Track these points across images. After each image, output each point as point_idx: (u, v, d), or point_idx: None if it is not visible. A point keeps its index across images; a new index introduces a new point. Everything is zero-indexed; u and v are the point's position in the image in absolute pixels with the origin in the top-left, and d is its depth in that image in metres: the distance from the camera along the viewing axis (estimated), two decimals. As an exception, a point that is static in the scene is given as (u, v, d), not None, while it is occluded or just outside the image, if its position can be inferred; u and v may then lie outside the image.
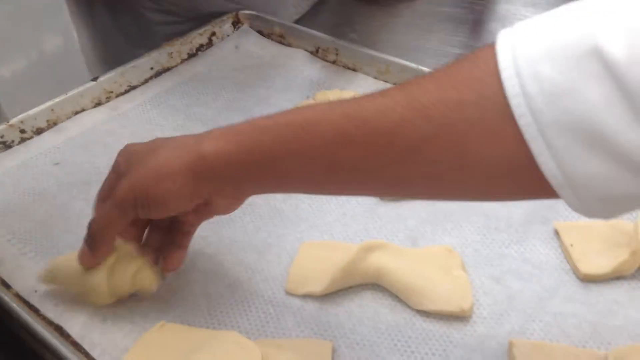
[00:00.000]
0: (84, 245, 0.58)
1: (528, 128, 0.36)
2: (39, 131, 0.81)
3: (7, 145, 0.79)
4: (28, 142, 0.80)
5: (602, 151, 0.35)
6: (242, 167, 0.49)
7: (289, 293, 0.61)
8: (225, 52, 0.97)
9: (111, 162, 0.76)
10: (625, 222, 0.64)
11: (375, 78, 0.89)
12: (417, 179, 0.45)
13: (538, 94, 0.36)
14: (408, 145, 0.42)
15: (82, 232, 0.66)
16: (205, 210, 0.56)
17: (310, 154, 0.46)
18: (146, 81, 0.90)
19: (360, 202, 0.71)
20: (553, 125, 0.36)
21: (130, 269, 0.58)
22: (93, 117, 0.85)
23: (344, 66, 0.92)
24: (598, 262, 0.61)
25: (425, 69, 0.85)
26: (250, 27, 1.01)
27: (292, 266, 0.63)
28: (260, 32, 1.00)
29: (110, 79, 0.87)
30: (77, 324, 0.58)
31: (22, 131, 0.80)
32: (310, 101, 0.82)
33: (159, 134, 0.81)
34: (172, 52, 0.93)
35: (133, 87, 0.89)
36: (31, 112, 0.81)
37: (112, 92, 0.87)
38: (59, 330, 0.57)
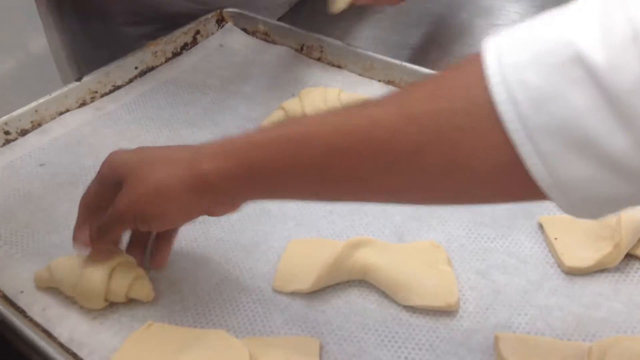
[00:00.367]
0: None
1: (516, 134, 0.37)
2: (23, 132, 0.81)
3: (-9, 147, 0.78)
4: (12, 143, 0.80)
5: (588, 154, 0.36)
6: (241, 182, 0.51)
7: (276, 291, 0.61)
8: (210, 51, 0.97)
9: (97, 162, 0.75)
10: (609, 215, 0.65)
11: (360, 75, 0.90)
12: (411, 187, 0.46)
13: (525, 100, 0.37)
14: (402, 153, 0.43)
15: (68, 233, 0.66)
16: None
17: (305, 167, 0.48)
18: (131, 81, 0.90)
19: (347, 199, 0.72)
20: (540, 130, 0.37)
21: (129, 277, 0.59)
22: (78, 118, 0.84)
23: (328, 63, 0.92)
24: (582, 255, 0.61)
25: (410, 66, 0.85)
26: (235, 25, 1.00)
27: (279, 264, 0.63)
28: (244, 30, 1.00)
29: (95, 79, 0.87)
30: (64, 324, 0.58)
31: (7, 132, 0.80)
32: (295, 99, 0.82)
33: (145, 134, 0.82)
34: (156, 52, 0.93)
35: (118, 87, 0.89)
36: (15, 113, 0.80)
37: (96, 92, 0.87)
38: (46, 331, 0.57)
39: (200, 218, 0.69)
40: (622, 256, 0.60)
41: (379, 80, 0.88)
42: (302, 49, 0.95)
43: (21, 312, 0.59)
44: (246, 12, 1.00)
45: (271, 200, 0.58)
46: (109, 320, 0.58)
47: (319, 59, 0.93)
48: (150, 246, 0.62)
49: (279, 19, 1.05)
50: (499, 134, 0.38)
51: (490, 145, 0.39)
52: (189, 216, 0.57)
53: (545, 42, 0.37)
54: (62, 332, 0.57)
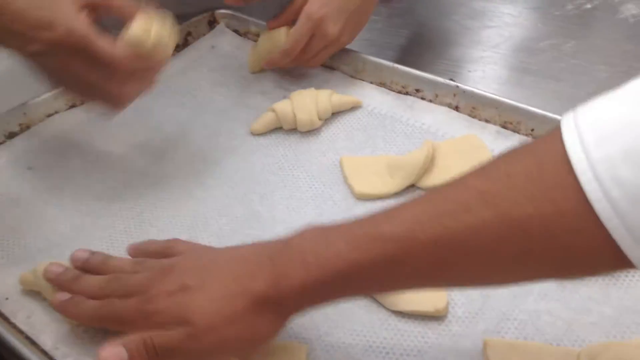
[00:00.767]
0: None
1: (616, 231, 0.37)
2: (11, 135, 0.80)
3: (-21, 151, 0.78)
4: (0, 146, 0.79)
5: None
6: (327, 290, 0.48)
7: (264, 296, 0.61)
8: (201, 52, 0.96)
9: (86, 165, 0.75)
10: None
11: (352, 77, 0.89)
12: (515, 281, 0.47)
13: (622, 198, 0.36)
14: (508, 261, 0.43)
15: (55, 238, 0.66)
16: None
17: (406, 274, 0.46)
18: (121, 83, 0.89)
19: (337, 203, 0.71)
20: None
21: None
22: (67, 120, 0.83)
23: (320, 65, 0.92)
24: (572, 259, 0.61)
25: (401, 67, 0.85)
26: (227, 26, 1.00)
27: (267, 269, 0.63)
28: (236, 32, 1.00)
29: (84, 81, 0.86)
30: (49, 332, 0.57)
31: (-6, 135, 0.79)
32: (286, 101, 0.82)
33: (135, 137, 0.81)
34: (147, 53, 0.92)
35: (108, 89, 0.88)
36: (3, 115, 0.80)
37: (86, 94, 0.86)
38: (30, 339, 0.56)
39: (189, 222, 0.69)
40: (613, 260, 0.60)
41: (371, 82, 0.88)
42: (293, 50, 0.94)
43: (5, 319, 0.58)
44: (238, 14, 0.99)
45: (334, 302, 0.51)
46: (92, 329, 0.58)
47: (310, 61, 0.93)
48: None
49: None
50: (600, 232, 0.38)
51: (594, 245, 0.39)
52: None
53: (636, 132, 0.37)
54: (47, 340, 0.56)
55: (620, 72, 0.91)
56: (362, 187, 0.72)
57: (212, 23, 1.00)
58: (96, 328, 0.57)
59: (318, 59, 0.87)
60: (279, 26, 0.87)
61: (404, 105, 0.83)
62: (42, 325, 0.58)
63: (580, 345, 0.55)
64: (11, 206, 0.71)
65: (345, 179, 0.74)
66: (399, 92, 0.85)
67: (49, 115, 0.83)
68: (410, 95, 0.84)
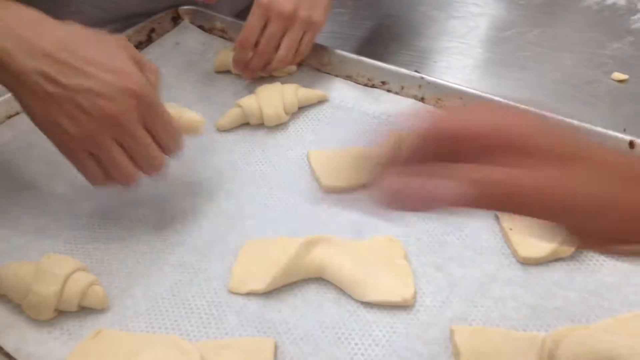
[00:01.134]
0: None
1: None
2: (-29, 137, 0.78)
3: (-63, 154, 0.76)
4: (-40, 149, 0.77)
5: None
6: None
7: (232, 292, 0.60)
8: (165, 49, 0.95)
9: (49, 167, 0.74)
10: (563, 204, 0.65)
11: (318, 70, 0.89)
12: None
13: None
14: None
15: (18, 241, 0.64)
16: None
17: None
18: (84, 81, 0.88)
19: (306, 197, 0.71)
20: None
21: (82, 285, 0.57)
22: (28, 121, 0.81)
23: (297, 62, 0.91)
24: (537, 245, 0.61)
25: (367, 60, 0.85)
26: (191, 22, 0.99)
27: (234, 265, 0.62)
28: (201, 27, 0.99)
29: (46, 80, 0.84)
30: (11, 333, 0.56)
31: (-47, 138, 0.77)
32: (252, 96, 0.81)
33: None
34: (110, 51, 0.90)
35: (70, 89, 0.87)
36: (-38, 118, 0.78)
37: (48, 94, 0.85)
38: (-8, 343, 0.55)
39: (154, 220, 0.68)
40: (576, 245, 0.61)
41: (337, 75, 0.88)
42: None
43: (-34, 323, 0.57)
44: (202, 10, 0.98)
45: None
46: (57, 329, 0.57)
47: (276, 55, 0.92)
48: None
49: (237, 15, 1.04)
50: None
51: None
52: None
53: None
54: (8, 342, 0.55)
55: (584, 59, 0.92)
56: (329, 180, 0.72)
57: (176, 19, 0.99)
58: (60, 329, 0.56)
59: (299, 52, 0.84)
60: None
61: (370, 97, 0.83)
62: (3, 326, 0.57)
63: (545, 330, 0.55)
64: (-28, 210, 0.70)
65: (312, 173, 0.74)
66: (365, 85, 0.85)
67: (10, 117, 0.81)
68: (377, 87, 0.85)
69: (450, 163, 0.38)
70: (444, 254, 0.63)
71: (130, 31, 0.93)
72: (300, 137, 0.79)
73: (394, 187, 0.40)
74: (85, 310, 0.59)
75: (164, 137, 0.62)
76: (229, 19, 0.97)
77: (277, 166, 0.75)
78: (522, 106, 0.73)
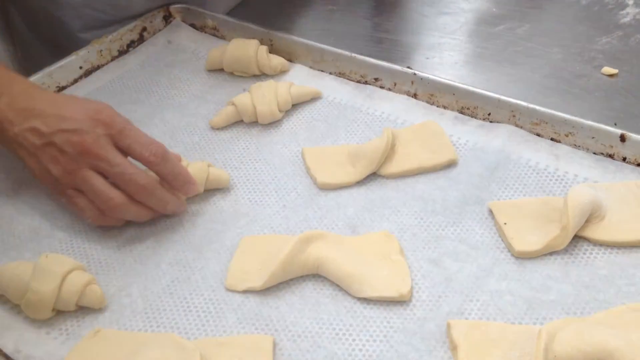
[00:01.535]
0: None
1: None
2: (-37, 138, 0.78)
3: None
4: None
5: None
6: None
7: (229, 289, 0.61)
8: (157, 48, 0.95)
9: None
10: (556, 198, 0.66)
11: (311, 68, 0.89)
12: None
13: None
14: None
15: (12, 240, 0.64)
16: None
17: None
18: (76, 81, 0.88)
19: (301, 194, 0.71)
20: None
21: (80, 285, 0.57)
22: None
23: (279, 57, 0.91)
24: (531, 239, 0.62)
25: (360, 57, 0.85)
26: (183, 21, 0.99)
27: (231, 262, 0.63)
28: (193, 26, 0.98)
29: (38, 80, 0.84)
30: (10, 335, 0.56)
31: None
32: (246, 94, 0.81)
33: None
34: (101, 50, 0.90)
35: (62, 88, 0.87)
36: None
37: (40, 94, 0.84)
38: (-10, 344, 0.55)
39: (150, 220, 0.68)
40: (570, 238, 0.61)
41: (330, 73, 0.88)
42: (251, 43, 0.93)
43: (-36, 325, 0.57)
44: (194, 7, 0.98)
45: None
46: (55, 330, 0.57)
47: (269, 53, 0.92)
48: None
49: (229, 13, 1.04)
50: None
51: None
52: None
53: None
54: (7, 343, 0.55)
55: (574, 53, 0.92)
56: (324, 177, 0.72)
57: (167, 18, 0.98)
58: (58, 329, 0.56)
59: None
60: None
61: (363, 94, 0.84)
62: (2, 328, 0.57)
63: (541, 323, 0.56)
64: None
65: (307, 170, 0.74)
66: (358, 82, 0.86)
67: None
68: (369, 84, 0.85)
69: None
70: (439, 249, 0.63)
71: (122, 30, 0.93)
72: (294, 134, 0.79)
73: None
74: (83, 309, 0.59)
75: (141, 151, 0.64)
76: (221, 16, 0.97)
77: (271, 163, 0.75)
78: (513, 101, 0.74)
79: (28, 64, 1.03)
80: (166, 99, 0.86)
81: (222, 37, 0.96)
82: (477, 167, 0.71)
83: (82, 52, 0.88)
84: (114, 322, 0.58)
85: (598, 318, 0.55)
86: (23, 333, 0.57)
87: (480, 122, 0.77)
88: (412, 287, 0.59)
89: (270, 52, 0.92)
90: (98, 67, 0.90)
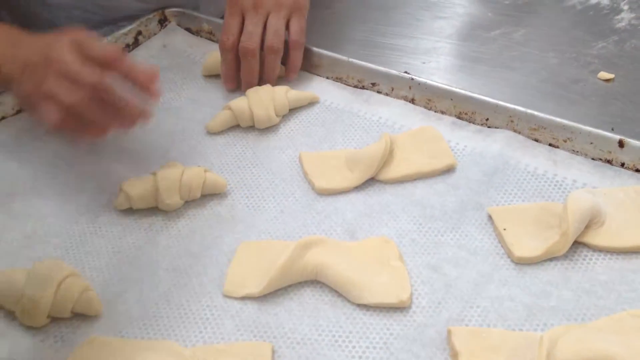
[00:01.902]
0: None
1: None
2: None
3: None
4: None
5: None
6: None
7: (227, 296, 0.60)
8: (153, 52, 0.94)
9: (37, 172, 0.73)
10: (555, 204, 0.66)
11: (308, 72, 0.89)
12: None
13: None
14: None
15: (5, 246, 0.63)
16: None
17: None
18: (70, 85, 0.87)
19: (298, 199, 0.71)
20: None
21: (75, 291, 0.57)
22: (15, 124, 0.81)
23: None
24: (531, 245, 0.62)
25: (356, 62, 0.85)
26: (178, 24, 0.98)
27: (229, 268, 0.62)
28: (188, 30, 0.98)
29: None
30: (4, 342, 0.56)
31: None
32: (242, 98, 0.81)
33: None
34: (96, 54, 0.89)
35: (56, 92, 0.85)
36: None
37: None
38: (-17, 351, 0.54)
39: (147, 225, 0.67)
40: (570, 244, 0.61)
41: (327, 77, 0.87)
42: (247, 47, 0.93)
43: (-43, 333, 0.56)
44: (189, 11, 0.98)
45: None
46: (50, 337, 0.56)
47: (265, 57, 0.92)
48: None
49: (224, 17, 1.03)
50: None
51: None
52: None
53: None
54: (2, 351, 0.55)
55: (570, 58, 0.92)
56: (322, 182, 0.71)
57: (163, 21, 0.98)
58: (53, 336, 0.55)
59: (292, 40, 0.83)
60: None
61: (361, 99, 0.83)
62: (-4, 336, 0.56)
63: (542, 330, 0.56)
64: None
65: (305, 175, 0.73)
66: (355, 87, 0.85)
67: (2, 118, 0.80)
68: (367, 89, 0.85)
69: None
70: (438, 255, 0.63)
71: (117, 34, 0.92)
72: (292, 139, 0.79)
73: None
74: (78, 316, 0.58)
75: (95, 49, 0.66)
76: (217, 20, 0.96)
77: (268, 168, 0.75)
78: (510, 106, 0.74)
79: None
80: (162, 103, 0.85)
81: (217, 41, 0.95)
82: (475, 173, 0.71)
83: (76, 56, 0.87)
84: (110, 330, 0.57)
85: (599, 324, 0.55)
86: (18, 340, 0.56)
87: (479, 127, 0.77)
88: (411, 294, 0.59)
89: (266, 56, 0.91)
90: (93, 71, 0.89)
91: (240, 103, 0.80)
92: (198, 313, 0.58)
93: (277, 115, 0.80)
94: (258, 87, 0.82)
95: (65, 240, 0.66)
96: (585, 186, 0.68)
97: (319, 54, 0.87)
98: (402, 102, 0.82)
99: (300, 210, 0.69)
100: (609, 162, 0.71)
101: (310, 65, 0.88)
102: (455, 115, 0.79)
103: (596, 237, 0.62)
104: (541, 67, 0.92)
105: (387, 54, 0.95)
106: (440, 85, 0.79)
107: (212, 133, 0.80)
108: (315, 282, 0.61)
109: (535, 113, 0.74)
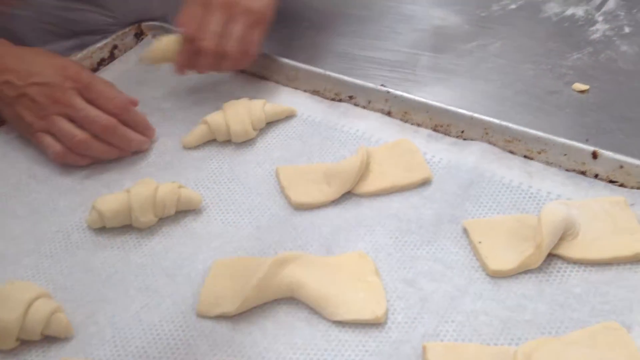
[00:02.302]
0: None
1: None
2: None
3: None
4: None
5: None
6: None
7: (200, 316, 0.59)
8: (128, 66, 0.94)
9: (8, 189, 0.72)
10: (530, 216, 0.66)
11: (285, 85, 0.88)
12: None
13: None
14: None
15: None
16: None
17: None
18: (44, 101, 0.86)
19: (275, 214, 0.70)
20: None
21: (45, 312, 0.55)
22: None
23: (252, 75, 0.91)
24: (505, 258, 0.62)
25: (334, 75, 0.85)
26: (154, 38, 0.97)
27: (202, 287, 0.61)
28: (165, 44, 0.97)
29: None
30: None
31: None
32: (219, 112, 0.80)
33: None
34: (71, 69, 0.88)
35: (30, 108, 0.84)
36: None
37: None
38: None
39: (120, 242, 0.66)
40: (544, 256, 0.61)
41: (305, 90, 0.87)
42: (224, 60, 0.93)
43: None
44: (166, 25, 0.97)
45: None
46: (18, 360, 0.55)
47: (243, 71, 0.92)
48: None
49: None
50: None
51: None
52: None
53: None
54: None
55: (545, 69, 0.93)
56: (299, 197, 0.71)
57: (139, 35, 0.97)
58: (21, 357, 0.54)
59: (249, 51, 0.82)
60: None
61: (338, 112, 0.83)
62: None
63: (516, 344, 0.56)
64: None
65: (282, 189, 0.73)
66: (333, 100, 0.85)
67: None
68: (344, 102, 0.84)
69: None
70: (414, 269, 0.63)
71: (92, 48, 0.91)
72: (269, 153, 0.79)
73: None
74: (48, 339, 0.57)
75: (105, 104, 0.75)
76: (193, 34, 0.95)
77: (245, 183, 0.74)
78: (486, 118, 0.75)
79: None
80: (151, 115, 0.84)
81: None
82: (451, 185, 0.71)
83: (50, 71, 0.86)
84: (81, 352, 0.56)
85: (573, 337, 0.55)
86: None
87: (454, 139, 0.77)
88: (387, 309, 0.59)
89: (244, 71, 0.91)
90: (67, 87, 0.88)
91: (216, 117, 0.80)
92: (171, 334, 0.58)
93: (254, 129, 0.80)
94: (235, 101, 0.82)
95: (36, 260, 0.65)
96: (559, 198, 0.69)
97: (296, 67, 0.87)
98: (379, 114, 0.82)
99: (276, 226, 0.69)
100: (583, 173, 0.71)
101: (286, 79, 0.88)
102: (431, 128, 0.79)
103: (570, 249, 0.62)
104: (517, 78, 0.92)
105: (365, 66, 0.95)
106: (415, 98, 0.79)
107: (188, 148, 0.80)
108: (290, 299, 0.61)
109: (510, 125, 0.74)
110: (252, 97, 0.84)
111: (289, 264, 0.61)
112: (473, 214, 0.68)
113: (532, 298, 0.59)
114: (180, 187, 0.69)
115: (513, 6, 1.10)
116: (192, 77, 0.89)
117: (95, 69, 0.92)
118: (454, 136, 0.77)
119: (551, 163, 0.72)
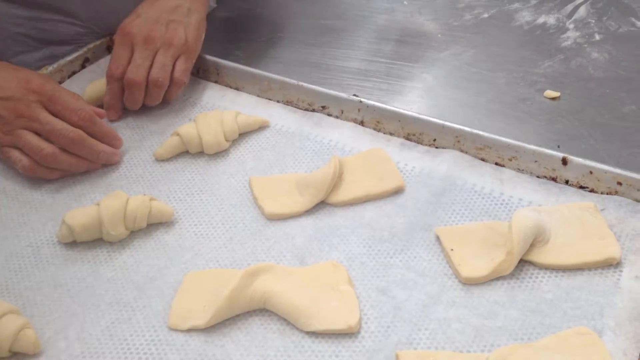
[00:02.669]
0: None
1: None
2: None
3: None
4: None
5: None
6: None
7: (172, 329, 0.59)
8: (97, 76, 0.92)
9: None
10: (502, 223, 0.66)
11: (259, 96, 0.88)
12: None
13: None
14: None
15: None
16: None
17: None
18: (14, 114, 0.85)
19: (248, 225, 0.70)
20: None
21: (13, 329, 0.54)
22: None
23: (226, 86, 0.91)
24: (477, 265, 0.62)
25: (307, 85, 0.85)
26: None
27: (174, 300, 0.61)
28: (137, 56, 0.96)
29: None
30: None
31: None
32: (191, 123, 0.80)
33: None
34: (41, 82, 0.88)
35: (0, 122, 0.83)
36: None
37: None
38: None
39: (90, 256, 0.66)
40: (516, 263, 0.61)
41: (278, 101, 0.87)
42: (197, 72, 0.92)
43: None
44: (138, 37, 0.96)
45: None
46: None
47: (216, 82, 0.91)
48: None
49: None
50: None
51: None
52: None
53: None
54: None
55: (517, 77, 0.94)
56: (272, 208, 0.71)
57: (110, 48, 0.96)
58: None
59: (174, 78, 0.83)
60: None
61: (311, 122, 0.83)
62: None
63: (489, 350, 0.56)
64: None
65: (255, 200, 0.73)
66: (306, 110, 0.85)
67: None
68: (317, 112, 0.85)
69: None
70: (387, 277, 0.63)
71: (63, 61, 0.90)
72: (242, 164, 0.78)
73: None
74: (16, 355, 0.56)
75: (70, 116, 0.74)
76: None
77: (218, 194, 0.74)
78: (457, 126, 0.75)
79: None
80: (126, 127, 0.84)
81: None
82: (424, 193, 0.71)
83: (20, 85, 0.85)
84: (49, 368, 0.55)
85: (545, 343, 0.55)
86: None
87: (427, 148, 0.77)
88: (360, 318, 0.58)
89: (216, 82, 0.91)
90: (38, 100, 0.87)
91: (188, 129, 0.79)
92: (142, 348, 0.57)
93: (226, 140, 0.80)
94: (207, 112, 0.81)
95: (5, 276, 0.64)
96: (530, 204, 0.69)
97: (268, 77, 0.87)
98: (352, 124, 0.82)
99: (249, 237, 0.68)
100: (554, 179, 0.72)
101: (259, 90, 0.88)
102: (404, 137, 0.79)
103: (541, 255, 0.63)
104: (490, 86, 0.93)
105: (339, 76, 0.95)
106: (387, 107, 0.80)
107: (160, 160, 0.79)
108: (263, 310, 0.60)
109: (481, 133, 0.75)
110: (224, 108, 0.84)
111: (261, 275, 0.60)
112: (445, 221, 0.68)
113: (504, 304, 0.60)
114: (151, 199, 0.69)
115: (485, 15, 1.11)
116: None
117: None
118: (426, 144, 0.78)
119: (522, 170, 0.73)
